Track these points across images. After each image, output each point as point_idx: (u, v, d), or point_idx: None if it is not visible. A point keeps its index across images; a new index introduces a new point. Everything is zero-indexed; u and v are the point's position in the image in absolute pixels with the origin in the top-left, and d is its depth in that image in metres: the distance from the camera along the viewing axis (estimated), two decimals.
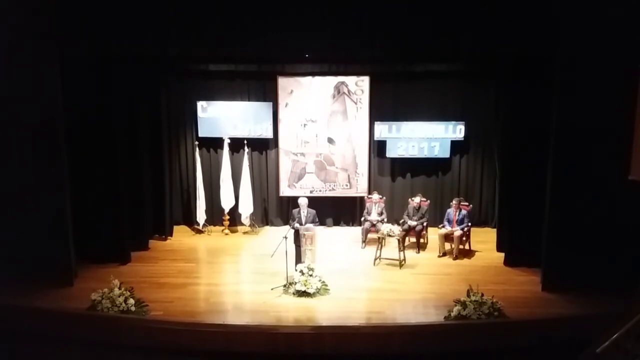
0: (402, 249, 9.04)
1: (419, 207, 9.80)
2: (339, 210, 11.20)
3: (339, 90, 10.63)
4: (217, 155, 10.92)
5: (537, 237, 8.18)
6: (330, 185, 10.96)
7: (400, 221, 9.86)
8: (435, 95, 10.66)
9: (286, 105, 10.66)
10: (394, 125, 10.61)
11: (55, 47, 7.58)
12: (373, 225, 9.92)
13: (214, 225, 10.97)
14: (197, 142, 10.72)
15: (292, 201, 10.59)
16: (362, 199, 10.83)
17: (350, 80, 10.58)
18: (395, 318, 7.31)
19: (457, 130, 10.55)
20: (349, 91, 10.62)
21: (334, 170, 10.93)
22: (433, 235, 9.89)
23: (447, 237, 9.52)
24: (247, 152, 10.65)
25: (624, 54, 6.90)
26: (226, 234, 10.75)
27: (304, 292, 7.75)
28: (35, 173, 7.77)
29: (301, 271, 7.93)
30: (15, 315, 6.90)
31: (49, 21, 7.43)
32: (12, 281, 7.61)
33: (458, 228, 9.43)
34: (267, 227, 11.17)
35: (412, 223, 9.67)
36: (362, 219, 10.25)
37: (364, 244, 9.97)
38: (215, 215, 10.98)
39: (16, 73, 7.49)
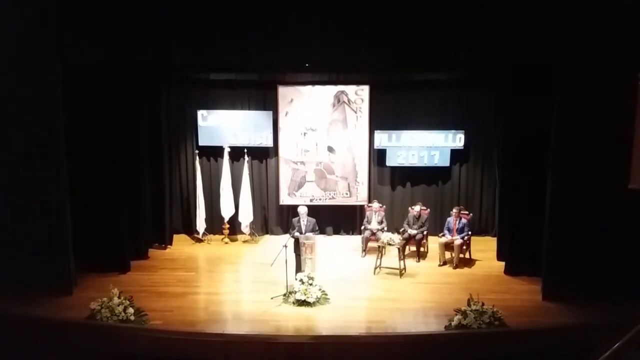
0: (402, 257, 9.02)
1: (419, 215, 9.79)
2: (339, 219, 11.19)
3: (338, 99, 10.65)
4: (217, 163, 10.92)
5: (537, 246, 8.16)
6: (330, 194, 10.95)
7: (401, 230, 9.84)
8: (435, 103, 10.68)
9: (286, 114, 10.68)
10: (394, 133, 10.62)
11: (56, 55, 7.60)
12: (373, 233, 9.90)
13: (214, 234, 10.94)
14: (197, 151, 10.73)
15: (292, 210, 10.58)
16: (362, 207, 10.82)
17: (350, 89, 10.61)
18: (395, 327, 7.26)
19: (456, 139, 10.56)
20: (348, 100, 10.64)
21: (334, 179, 10.93)
22: (433, 244, 9.87)
23: (448, 246, 9.50)
24: (247, 161, 10.66)
25: (624, 62, 6.92)
26: (226, 243, 10.73)
27: (304, 301, 7.73)
28: (36, 181, 7.76)
29: (301, 280, 7.91)
30: (15, 324, 6.89)
31: (50, 28, 7.45)
32: (11, 290, 7.59)
33: (458, 237, 9.41)
34: (267, 236, 11.16)
35: (412, 232, 9.66)
36: (362, 227, 10.23)
37: (364, 253, 9.94)
38: (215, 223, 10.95)
39: (18, 81, 7.51)
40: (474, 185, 11.02)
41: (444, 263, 9.48)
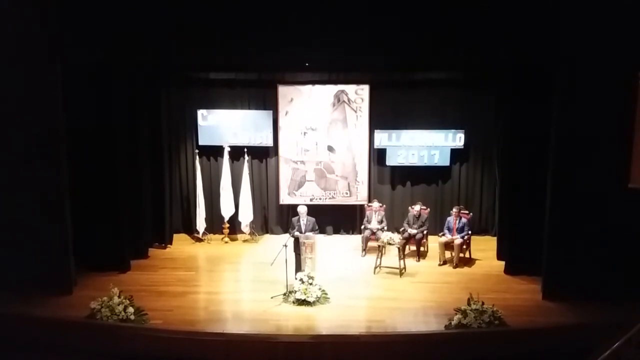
0: (402, 257, 9.02)
1: (419, 215, 9.79)
2: (339, 219, 11.19)
3: (338, 99, 10.65)
4: (217, 163, 10.92)
5: (537, 245, 8.16)
6: (330, 194, 10.96)
7: (401, 229, 9.85)
8: (435, 103, 10.68)
9: (286, 114, 10.68)
10: (394, 133, 10.62)
11: (56, 55, 7.60)
12: (373, 233, 9.90)
13: (214, 234, 10.95)
14: (197, 150, 10.73)
15: (292, 209, 10.57)
16: (362, 207, 10.82)
17: (350, 89, 10.61)
18: (395, 327, 7.28)
19: (456, 139, 10.56)
20: (348, 99, 10.64)
21: (334, 178, 10.93)
22: (433, 243, 9.87)
23: (447, 246, 9.50)
24: (247, 160, 10.66)
25: (624, 62, 6.92)
26: (226, 242, 10.74)
27: (304, 300, 7.73)
28: (36, 181, 7.77)
29: (301, 279, 7.91)
30: (14, 324, 6.89)
31: (50, 28, 7.45)
32: (11, 289, 7.59)
33: (458, 236, 9.41)
34: (267, 235, 11.16)
35: (412, 231, 9.66)
36: (362, 227, 10.23)
37: (364, 252, 9.95)
38: (215, 223, 10.96)
39: (18, 81, 7.51)
40: (474, 185, 11.02)
41: (444, 262, 9.49)
